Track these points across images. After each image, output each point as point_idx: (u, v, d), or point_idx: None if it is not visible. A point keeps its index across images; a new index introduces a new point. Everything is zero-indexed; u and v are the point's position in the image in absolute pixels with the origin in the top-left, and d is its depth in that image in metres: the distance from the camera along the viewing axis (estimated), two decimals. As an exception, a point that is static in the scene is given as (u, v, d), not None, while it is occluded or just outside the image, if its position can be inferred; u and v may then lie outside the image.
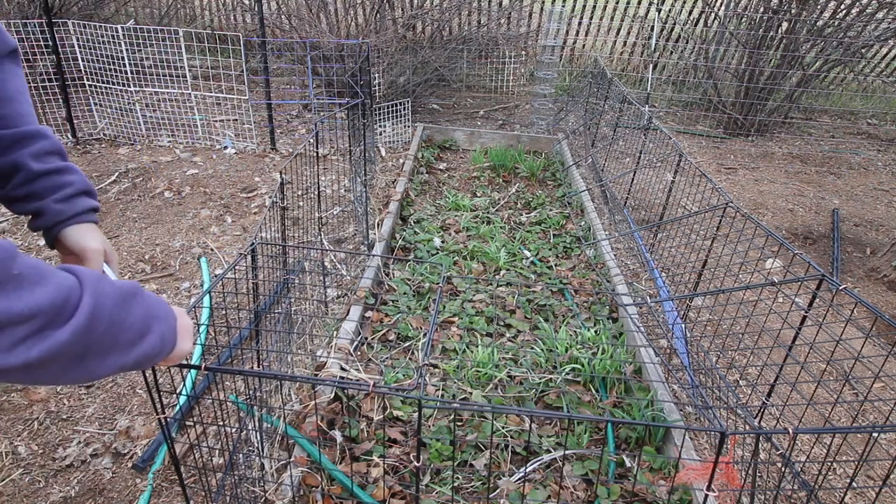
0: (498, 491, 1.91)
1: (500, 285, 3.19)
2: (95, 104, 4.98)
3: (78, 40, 4.62)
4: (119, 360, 0.70)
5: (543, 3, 7.51)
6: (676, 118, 6.93)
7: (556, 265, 3.46)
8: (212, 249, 3.29)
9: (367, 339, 2.64)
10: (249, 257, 1.73)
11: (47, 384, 0.69)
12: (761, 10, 6.10)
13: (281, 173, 2.15)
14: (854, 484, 2.04)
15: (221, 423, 1.55)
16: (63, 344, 0.61)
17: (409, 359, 2.55)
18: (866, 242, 4.06)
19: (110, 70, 4.68)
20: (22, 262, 0.58)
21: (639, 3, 7.54)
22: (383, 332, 2.71)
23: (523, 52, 7.69)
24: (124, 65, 4.61)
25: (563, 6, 6.44)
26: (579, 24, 7.78)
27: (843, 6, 5.95)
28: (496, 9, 7.44)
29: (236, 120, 5.37)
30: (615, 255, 3.44)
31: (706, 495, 1.15)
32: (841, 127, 7.14)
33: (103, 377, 0.72)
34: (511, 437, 2.13)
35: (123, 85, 4.71)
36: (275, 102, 5.20)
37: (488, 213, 4.08)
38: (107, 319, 0.66)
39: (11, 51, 0.97)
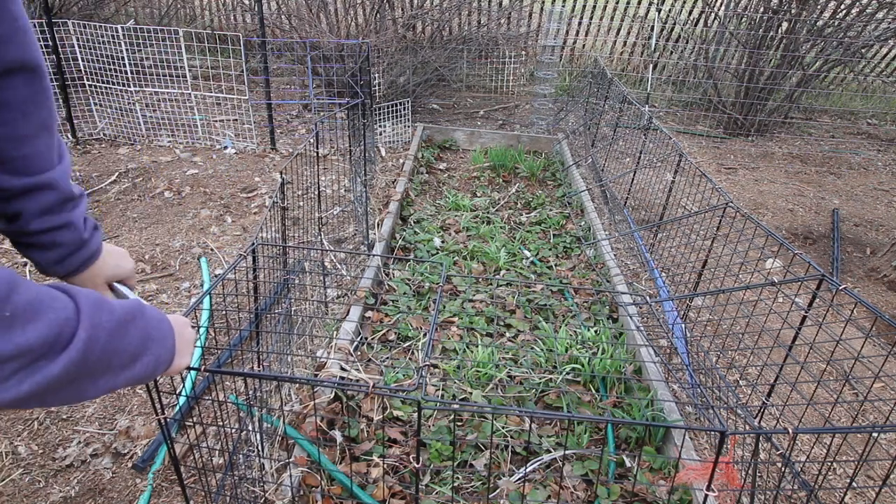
0: (498, 491, 1.91)
1: (500, 285, 3.19)
2: (95, 104, 4.98)
3: (78, 40, 4.62)
4: (110, 381, 0.71)
5: (543, 3, 7.51)
6: (676, 118, 6.93)
7: (556, 265, 3.46)
8: (212, 249, 3.29)
9: (367, 339, 2.64)
10: (250, 258, 1.73)
11: (36, 408, 0.70)
12: (761, 10, 6.10)
13: (281, 173, 2.15)
14: (854, 484, 2.04)
15: (221, 424, 1.55)
16: (54, 377, 0.61)
17: (410, 359, 2.55)
18: (866, 242, 4.06)
19: (110, 70, 4.68)
20: (17, 298, 0.58)
21: (639, 3, 7.54)
22: (383, 332, 2.71)
23: (523, 52, 7.69)
24: (124, 65, 4.60)
25: (563, 6, 6.43)
26: (579, 24, 7.78)
27: (843, 6, 5.95)
28: (496, 9, 7.44)
29: (236, 120, 5.37)
30: (615, 255, 3.44)
31: (706, 495, 1.15)
32: (841, 127, 7.14)
33: (94, 398, 0.72)
34: (511, 437, 2.13)
35: (123, 85, 4.71)
36: (275, 102, 5.20)
37: (488, 213, 4.08)
38: (100, 349, 0.66)
39: (24, 66, 0.80)
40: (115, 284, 1.06)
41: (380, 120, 5.11)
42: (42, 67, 0.83)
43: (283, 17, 6.18)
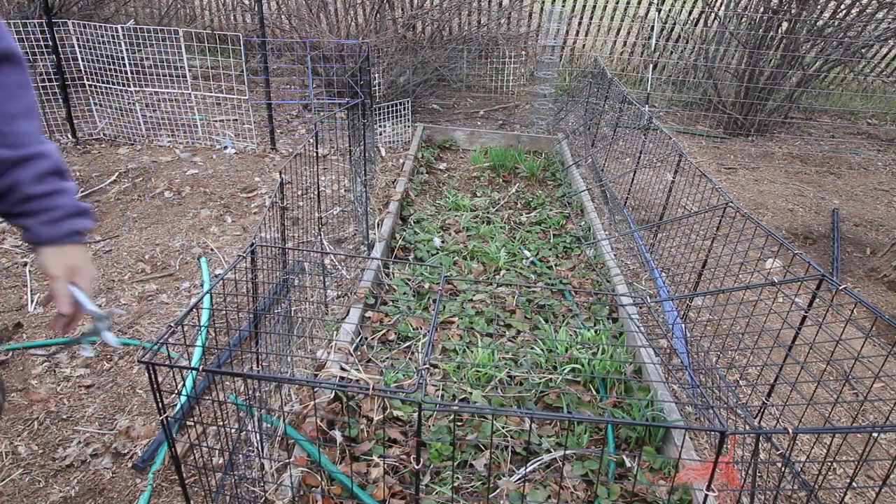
0: (498, 491, 1.91)
1: (500, 285, 3.19)
2: (95, 104, 4.98)
3: (78, 40, 4.62)
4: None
5: (543, 3, 7.51)
6: (676, 118, 6.93)
7: (556, 265, 3.46)
8: (212, 249, 3.29)
9: (367, 339, 2.64)
10: (249, 258, 1.73)
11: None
12: (761, 10, 6.10)
13: (281, 173, 2.15)
14: (854, 484, 2.04)
15: (221, 424, 1.55)
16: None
17: (410, 359, 2.55)
18: (866, 242, 4.06)
19: (110, 70, 4.68)
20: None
21: (639, 3, 7.54)
22: (383, 332, 2.71)
23: (523, 52, 7.69)
24: (124, 65, 4.60)
25: (563, 6, 6.44)
26: (579, 24, 7.78)
27: (843, 6, 5.95)
28: (496, 9, 7.44)
29: (236, 120, 5.37)
30: (615, 255, 3.44)
31: (706, 495, 1.15)
32: (841, 127, 7.14)
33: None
34: (511, 437, 2.13)
35: (123, 85, 4.71)
36: (275, 102, 5.20)
37: (488, 213, 4.08)
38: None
39: (10, 55, 0.95)
40: (71, 287, 1.07)
41: (380, 120, 5.11)
42: (23, 58, 0.96)
43: (283, 17, 6.18)
